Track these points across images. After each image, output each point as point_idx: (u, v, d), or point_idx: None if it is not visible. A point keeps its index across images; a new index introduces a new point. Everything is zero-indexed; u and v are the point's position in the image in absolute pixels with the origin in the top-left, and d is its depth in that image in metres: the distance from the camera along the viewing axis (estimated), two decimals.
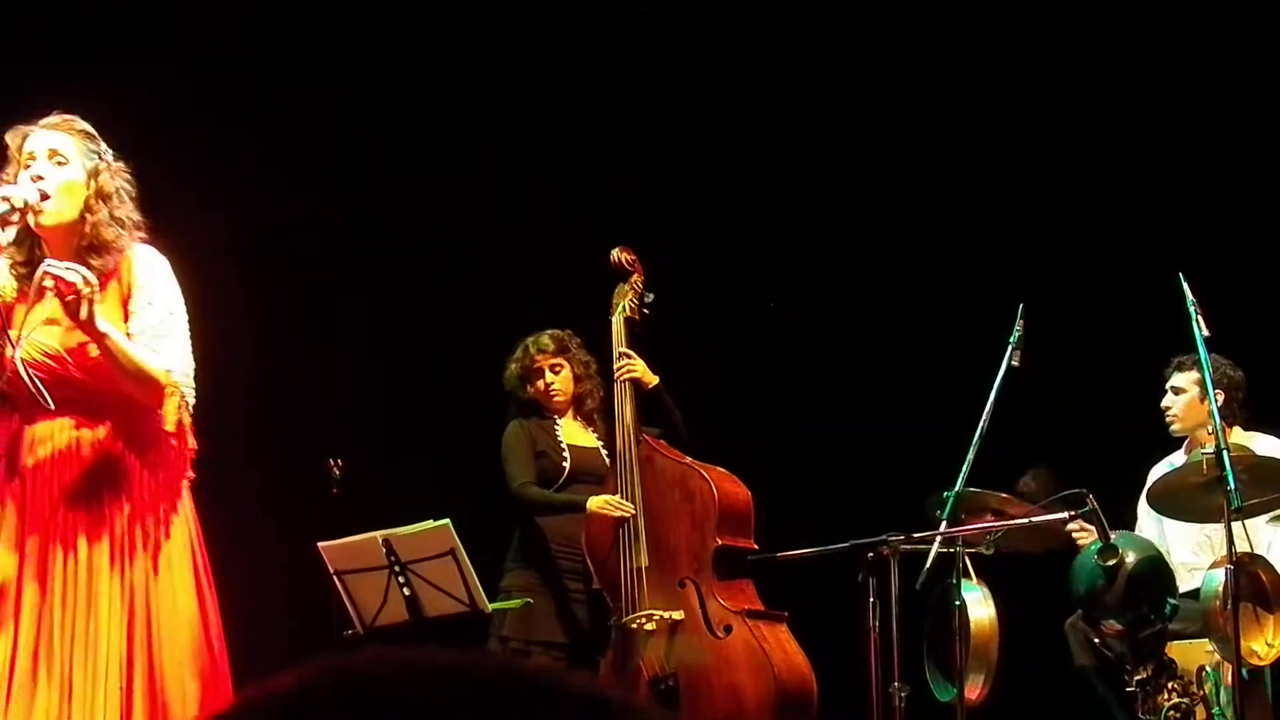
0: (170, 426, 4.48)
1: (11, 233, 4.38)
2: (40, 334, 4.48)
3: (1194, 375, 6.66)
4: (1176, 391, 6.89)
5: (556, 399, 6.73)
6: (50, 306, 4.43)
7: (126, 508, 4.48)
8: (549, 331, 6.75)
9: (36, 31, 7.55)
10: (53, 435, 4.47)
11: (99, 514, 4.46)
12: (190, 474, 4.62)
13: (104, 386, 4.43)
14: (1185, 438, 6.93)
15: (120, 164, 4.59)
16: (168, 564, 4.54)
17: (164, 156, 5.24)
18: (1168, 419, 6.91)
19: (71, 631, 4.39)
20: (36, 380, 4.38)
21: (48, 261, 4.32)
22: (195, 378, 4.57)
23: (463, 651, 1.62)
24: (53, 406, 4.41)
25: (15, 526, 4.45)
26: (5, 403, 4.55)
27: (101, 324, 4.30)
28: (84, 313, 4.24)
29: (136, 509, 4.50)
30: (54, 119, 4.53)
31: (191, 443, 4.57)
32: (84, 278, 4.24)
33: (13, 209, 4.31)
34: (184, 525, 4.61)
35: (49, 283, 4.27)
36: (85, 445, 4.48)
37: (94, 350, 4.39)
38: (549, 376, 6.72)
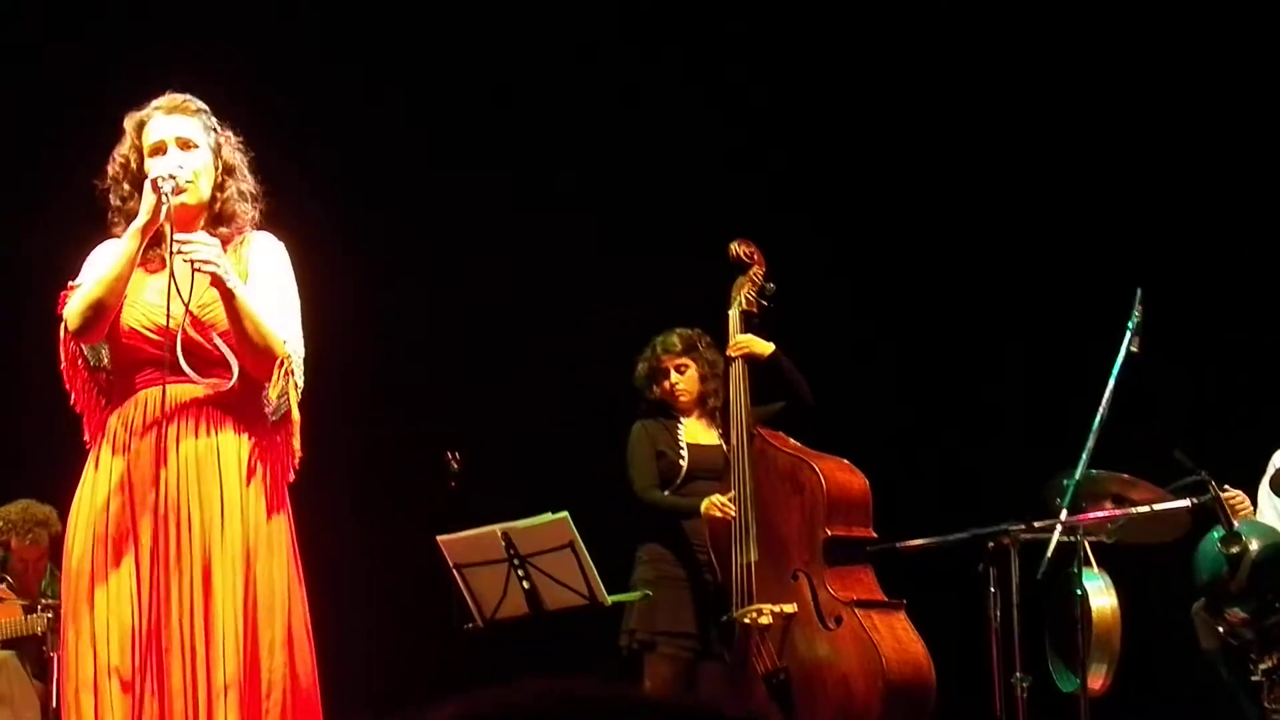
0: (274, 395, 4.50)
1: (165, 216, 4.40)
2: (160, 299, 4.47)
3: None
4: None
5: (682, 398, 6.78)
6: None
7: (247, 482, 4.50)
8: (678, 330, 6.81)
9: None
10: (186, 405, 4.48)
11: (215, 484, 4.47)
12: (291, 476, 4.62)
13: (209, 370, 4.47)
14: None
15: (234, 135, 4.66)
16: (272, 549, 4.54)
17: (280, 142, 5.26)
18: None
19: (190, 604, 4.41)
20: (178, 347, 4.40)
21: (176, 237, 4.36)
22: (307, 364, 4.57)
23: (614, 685, 1.66)
24: (193, 373, 4.44)
25: (130, 486, 4.46)
26: (119, 364, 4.57)
27: (231, 279, 4.37)
28: (217, 268, 4.31)
29: (253, 486, 4.52)
30: (170, 100, 4.58)
31: (297, 445, 4.59)
32: (208, 247, 4.34)
33: (176, 184, 4.36)
34: (287, 523, 4.63)
35: (190, 253, 4.32)
36: (201, 408, 4.50)
37: (219, 315, 4.42)
38: (674, 376, 6.77)
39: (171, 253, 4.38)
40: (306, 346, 4.58)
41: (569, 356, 7.99)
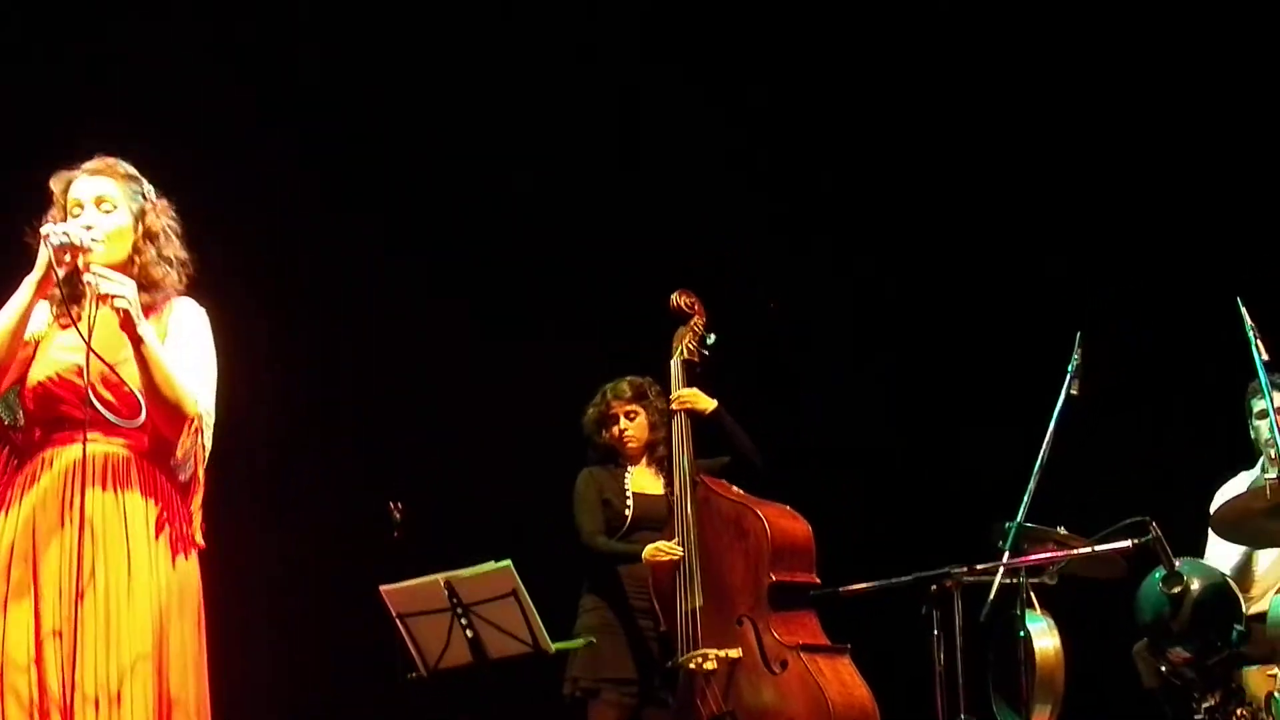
0: (180, 454, 4.44)
1: (63, 272, 4.35)
2: (73, 354, 4.43)
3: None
4: (1265, 416, 6.63)
5: (630, 444, 6.90)
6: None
7: (151, 531, 4.41)
8: (629, 378, 6.96)
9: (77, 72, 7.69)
10: (99, 461, 4.41)
11: (122, 532, 4.39)
12: (199, 540, 4.52)
13: (126, 413, 4.41)
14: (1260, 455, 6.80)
15: (165, 202, 4.63)
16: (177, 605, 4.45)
17: (207, 198, 5.26)
18: (1265, 444, 6.72)
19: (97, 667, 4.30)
20: (94, 397, 4.35)
21: (93, 268, 4.32)
22: (233, 423, 4.55)
23: None
24: (120, 420, 4.40)
25: (29, 541, 4.37)
26: (32, 421, 4.50)
27: (142, 327, 4.33)
28: (127, 305, 4.27)
29: (160, 546, 4.42)
30: (96, 164, 4.57)
31: (197, 508, 4.50)
32: (121, 284, 4.30)
33: (69, 246, 4.31)
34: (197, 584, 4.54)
35: (98, 285, 4.29)
36: (110, 465, 4.43)
37: (129, 372, 4.37)
38: (624, 422, 6.90)
39: (82, 306, 4.37)
40: (245, 400, 4.61)
41: (512, 406, 8.04)
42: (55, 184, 4.57)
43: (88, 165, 4.57)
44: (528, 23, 8.45)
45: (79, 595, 4.28)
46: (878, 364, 8.65)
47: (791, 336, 8.48)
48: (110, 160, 4.59)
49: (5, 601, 4.32)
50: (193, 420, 4.43)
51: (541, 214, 8.46)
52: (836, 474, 8.25)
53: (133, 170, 4.61)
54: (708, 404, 6.67)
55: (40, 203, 4.56)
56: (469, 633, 6.24)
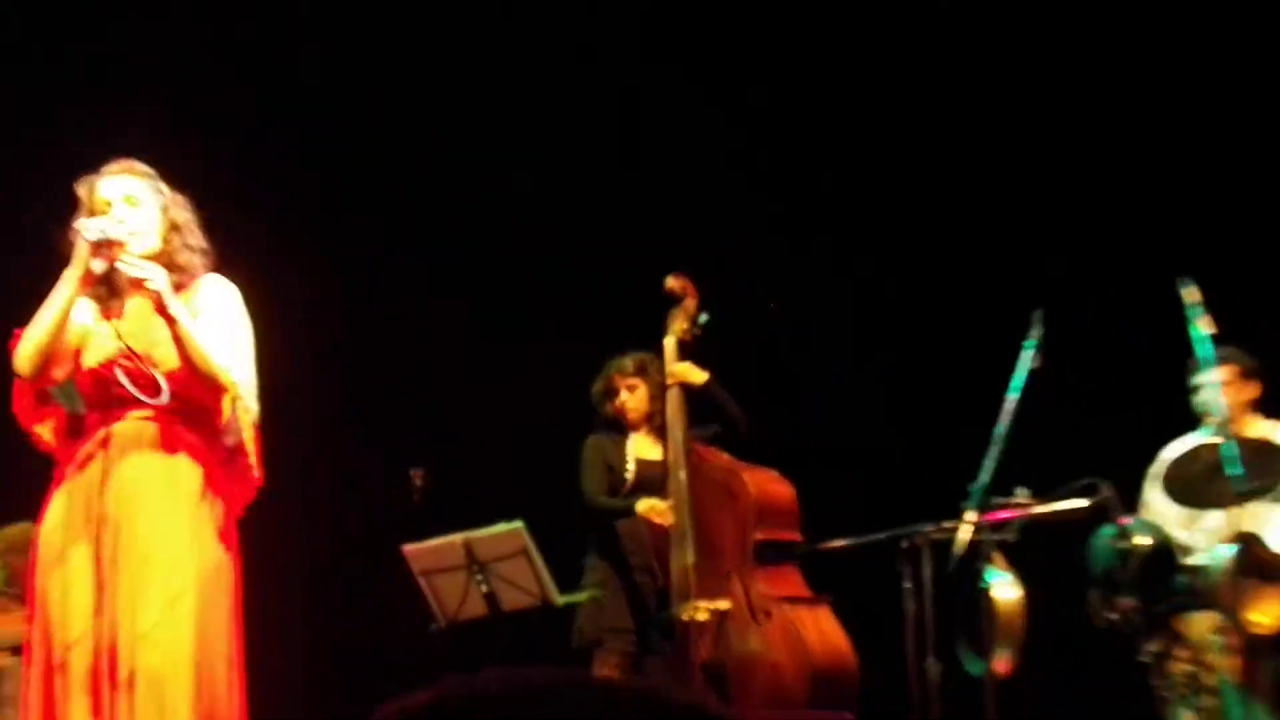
0: (223, 420, 4.66)
1: (102, 264, 4.57)
2: (115, 341, 4.66)
3: (1228, 368, 6.61)
4: (1212, 386, 6.66)
5: (631, 415, 7.09)
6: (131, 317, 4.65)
7: (200, 509, 4.63)
8: (631, 354, 7.13)
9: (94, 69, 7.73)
10: (136, 433, 4.62)
11: (171, 510, 4.59)
12: (250, 497, 4.73)
13: (156, 392, 4.61)
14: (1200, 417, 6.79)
15: (181, 196, 4.83)
16: (216, 576, 4.64)
17: (234, 177, 5.33)
18: (1208, 409, 6.71)
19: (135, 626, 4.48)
20: (126, 378, 4.57)
21: (125, 258, 4.55)
22: (266, 395, 4.71)
23: (569, 671, 1.89)
24: (164, 399, 4.59)
25: (84, 516, 4.56)
26: (90, 406, 4.70)
27: (174, 307, 4.55)
28: (161, 294, 4.52)
29: (203, 514, 4.63)
30: (117, 165, 4.77)
31: (255, 466, 4.71)
32: (155, 269, 4.55)
33: (104, 240, 4.52)
34: (234, 552, 4.72)
35: (129, 271, 4.52)
36: (163, 443, 4.63)
37: (162, 354, 4.58)
38: (625, 395, 7.10)
39: (121, 300, 4.62)
40: (276, 378, 4.76)
41: (522, 386, 8.15)
42: (81, 188, 4.75)
43: (109, 167, 4.76)
44: (528, 23, 8.43)
45: (111, 560, 4.50)
46: (872, 362, 8.65)
47: (791, 335, 8.46)
48: (129, 161, 4.79)
49: (63, 556, 4.58)
50: (229, 389, 4.65)
51: (546, 204, 8.46)
52: (823, 438, 8.23)
53: (149, 169, 4.80)
54: (699, 377, 6.80)
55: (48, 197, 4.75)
56: (484, 588, 6.44)
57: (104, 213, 4.67)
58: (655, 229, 8.30)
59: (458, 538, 6.47)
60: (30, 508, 6.93)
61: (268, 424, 4.78)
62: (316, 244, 8.17)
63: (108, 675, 4.45)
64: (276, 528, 4.93)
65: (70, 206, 4.75)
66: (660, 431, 7.02)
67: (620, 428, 7.15)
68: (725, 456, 6.81)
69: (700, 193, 8.51)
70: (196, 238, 4.83)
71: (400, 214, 8.50)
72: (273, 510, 4.90)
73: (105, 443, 4.62)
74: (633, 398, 7.12)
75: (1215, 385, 6.66)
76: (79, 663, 4.48)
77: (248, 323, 4.78)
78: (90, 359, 4.67)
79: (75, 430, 4.75)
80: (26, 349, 4.59)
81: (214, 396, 4.67)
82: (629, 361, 7.13)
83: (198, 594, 4.55)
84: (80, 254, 4.54)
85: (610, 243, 8.37)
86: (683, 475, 6.71)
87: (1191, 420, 6.98)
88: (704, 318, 6.91)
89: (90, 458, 4.63)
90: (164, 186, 4.81)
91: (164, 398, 4.59)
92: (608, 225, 8.44)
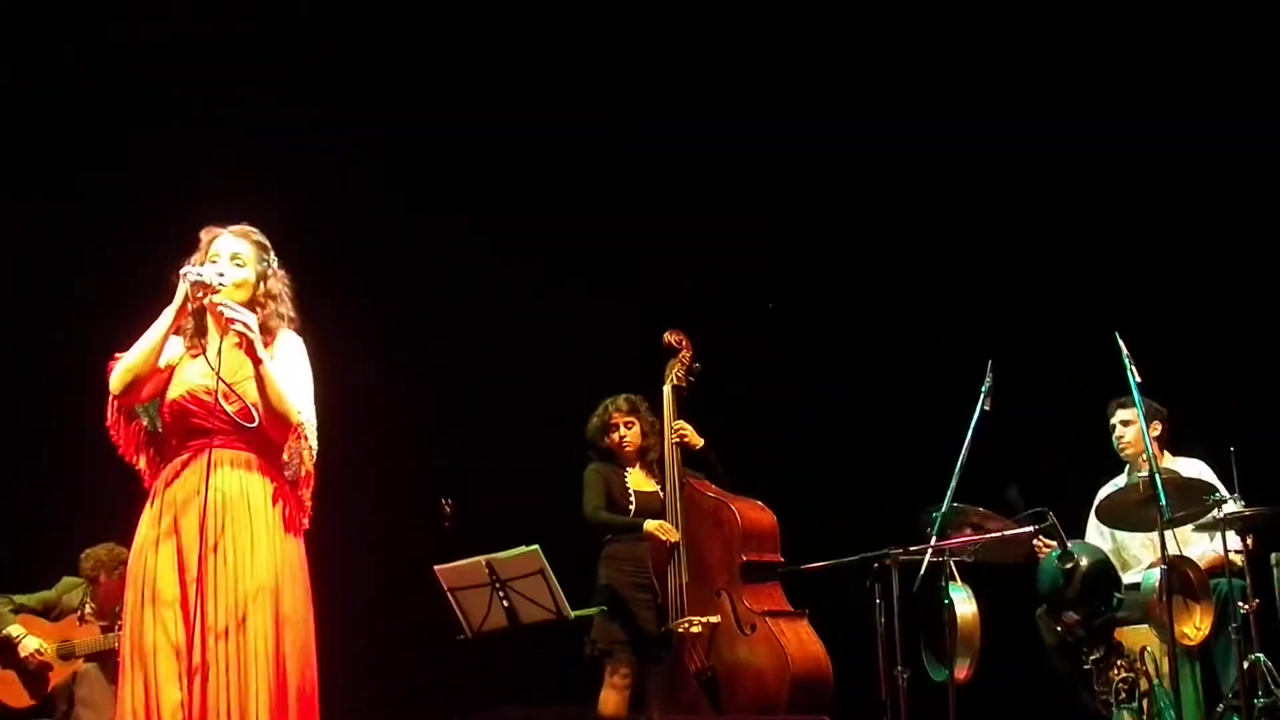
0: (287, 455, 4.87)
1: (194, 305, 4.84)
2: (202, 377, 4.88)
3: (1134, 411, 6.88)
4: (1126, 424, 7.16)
5: (627, 449, 7.46)
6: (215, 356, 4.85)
7: (275, 531, 4.85)
8: (625, 395, 7.51)
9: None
10: (219, 456, 4.84)
11: (255, 537, 4.81)
12: (306, 522, 4.92)
13: (244, 419, 4.82)
14: (1128, 462, 7.27)
15: (284, 272, 5.12)
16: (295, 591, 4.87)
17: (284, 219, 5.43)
18: (1121, 446, 7.18)
19: (227, 626, 4.70)
20: (224, 406, 4.77)
21: (224, 302, 4.82)
22: (323, 433, 4.94)
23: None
24: (255, 423, 4.80)
25: (175, 531, 4.75)
26: (169, 432, 4.91)
27: (261, 351, 4.82)
28: (248, 331, 4.76)
29: (278, 526, 4.85)
30: (240, 228, 5.08)
31: (308, 498, 4.92)
32: (246, 313, 4.84)
33: (201, 284, 4.79)
34: (304, 557, 4.94)
35: (225, 313, 4.78)
36: (234, 459, 4.85)
37: (245, 389, 4.81)
38: (622, 430, 7.47)
39: (208, 340, 4.83)
40: (328, 418, 4.96)
41: (541, 422, 8.40)
42: (205, 234, 5.05)
43: (233, 228, 5.06)
44: (528, 23, 8.59)
45: (213, 548, 4.72)
46: (838, 387, 9.00)
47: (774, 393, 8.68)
48: (250, 228, 5.09)
49: (157, 543, 4.80)
50: (297, 427, 4.90)
51: (560, 210, 8.76)
52: (805, 474, 8.59)
53: (265, 240, 5.09)
54: (697, 441, 7.22)
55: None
56: (505, 603, 6.64)
57: (212, 261, 4.95)
58: (654, 234, 8.58)
59: (482, 559, 6.70)
60: (116, 528, 7.01)
61: (320, 458, 4.98)
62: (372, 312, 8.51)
63: (200, 651, 4.67)
64: (323, 552, 5.13)
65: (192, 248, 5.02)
66: (652, 466, 7.40)
67: (616, 461, 7.45)
68: (714, 488, 7.22)
69: (700, 194, 8.83)
70: (286, 307, 5.09)
71: (434, 264, 8.76)
72: (320, 536, 5.06)
73: (188, 464, 4.86)
74: (630, 434, 7.45)
75: (1137, 426, 7.04)
76: (167, 647, 4.71)
77: (310, 370, 5.02)
78: (173, 391, 4.90)
79: (160, 453, 4.99)
80: (120, 369, 4.84)
81: (282, 432, 4.88)
82: (624, 401, 7.48)
83: (285, 588, 4.82)
84: (180, 292, 4.80)
85: (611, 298, 8.78)
86: (679, 509, 7.10)
87: (1118, 460, 7.37)
88: (697, 367, 7.33)
89: (176, 476, 4.85)
90: (273, 259, 5.09)
91: (255, 423, 4.82)
92: (610, 287, 8.82)
